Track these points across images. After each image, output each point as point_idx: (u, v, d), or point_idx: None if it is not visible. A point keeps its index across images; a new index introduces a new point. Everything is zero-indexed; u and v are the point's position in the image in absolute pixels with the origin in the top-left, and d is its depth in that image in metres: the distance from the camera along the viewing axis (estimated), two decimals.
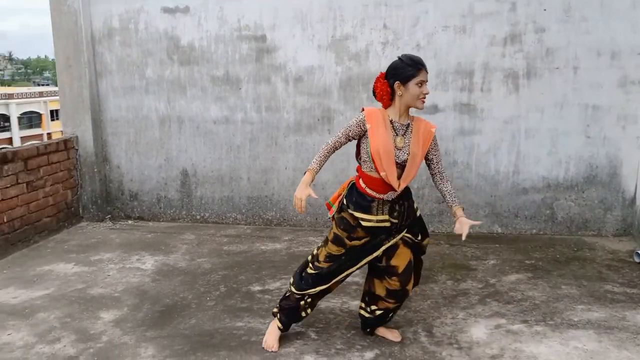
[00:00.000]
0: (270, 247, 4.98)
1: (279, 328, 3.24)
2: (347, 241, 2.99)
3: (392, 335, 3.29)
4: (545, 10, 4.81)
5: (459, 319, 3.54)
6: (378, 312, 3.19)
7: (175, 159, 5.75)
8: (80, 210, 5.79)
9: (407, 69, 2.84)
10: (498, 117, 5.05)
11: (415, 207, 3.14)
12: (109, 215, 5.92)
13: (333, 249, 3.03)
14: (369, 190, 2.93)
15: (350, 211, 2.97)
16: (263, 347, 3.20)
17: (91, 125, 5.64)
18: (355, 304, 3.73)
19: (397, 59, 2.92)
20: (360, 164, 3.01)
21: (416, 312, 3.65)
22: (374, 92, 2.99)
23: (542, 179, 5.08)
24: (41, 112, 45.05)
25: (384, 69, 5.21)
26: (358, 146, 3.00)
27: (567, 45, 4.83)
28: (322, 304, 3.74)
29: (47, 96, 44.16)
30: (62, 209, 5.50)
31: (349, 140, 2.97)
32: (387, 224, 2.97)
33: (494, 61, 4.96)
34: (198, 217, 5.81)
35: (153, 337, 3.37)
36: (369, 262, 3.16)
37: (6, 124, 42.97)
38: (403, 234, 3.06)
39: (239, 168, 5.64)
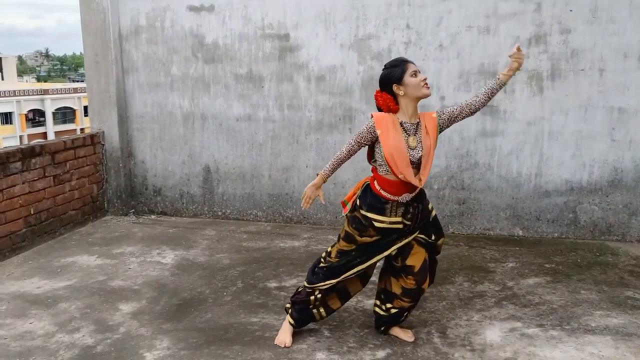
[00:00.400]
0: (289, 245, 5.02)
1: (291, 324, 3.28)
2: (357, 238, 3.03)
3: (406, 335, 3.29)
4: (571, 11, 4.73)
5: (474, 321, 3.51)
6: (393, 311, 3.20)
7: (198, 155, 5.83)
8: (105, 204, 5.92)
9: (395, 70, 2.91)
10: (521, 119, 4.99)
11: (430, 207, 3.15)
12: (133, 210, 6.04)
13: (344, 245, 3.08)
14: (383, 193, 2.96)
15: (362, 212, 3.00)
16: (275, 343, 3.24)
17: (117, 120, 5.77)
18: (369, 302, 3.73)
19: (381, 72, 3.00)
20: (375, 167, 3.02)
21: (431, 312, 3.64)
22: (379, 108, 3.02)
23: (566, 182, 5.00)
24: (75, 107, 46.14)
25: None
26: (370, 149, 3.03)
27: (593, 46, 4.74)
28: None
29: (81, 92, 45.17)
30: (87, 203, 5.64)
31: (362, 146, 3.00)
32: (400, 226, 2.99)
33: None
34: (219, 213, 5.88)
35: (169, 329, 3.43)
36: (385, 260, 3.19)
37: (41, 119, 44.15)
38: (416, 235, 3.08)
39: (261, 165, 5.69)
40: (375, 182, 2.99)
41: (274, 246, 4.99)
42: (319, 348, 3.20)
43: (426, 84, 2.90)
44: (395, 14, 5.09)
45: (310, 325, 3.43)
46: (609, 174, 4.90)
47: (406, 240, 3.06)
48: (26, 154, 4.83)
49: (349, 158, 3.05)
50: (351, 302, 3.77)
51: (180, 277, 4.27)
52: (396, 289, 3.15)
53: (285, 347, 3.21)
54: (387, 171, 2.93)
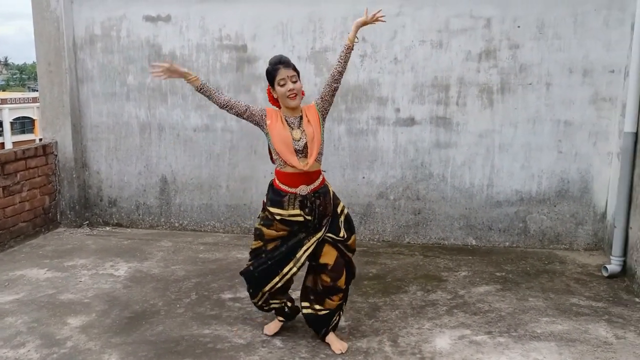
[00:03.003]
0: (246, 256, 4.90)
1: (279, 320, 3.48)
2: (264, 231, 3.20)
3: (338, 345, 3.31)
4: (519, 27, 4.89)
5: (425, 329, 3.57)
6: (322, 312, 3.29)
7: (155, 166, 5.77)
8: (58, 216, 5.79)
9: (269, 73, 3.14)
10: (473, 131, 5.12)
11: (339, 206, 3.30)
12: (87, 222, 5.93)
13: (254, 244, 3.30)
14: (282, 186, 3.17)
15: (268, 208, 3.22)
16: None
17: (71, 130, 5.67)
18: None
19: None
20: (275, 163, 3.24)
21: (383, 321, 3.68)
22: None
23: (516, 193, 5.14)
24: (34, 117, 44.99)
25: (362, 82, 5.33)
26: (270, 151, 3.25)
27: (540, 62, 4.91)
28: None
29: None
30: (39, 214, 5.51)
31: (247, 116, 3.17)
32: (300, 219, 3.15)
33: (469, 76, 5.04)
34: (176, 224, 5.83)
35: (118, 343, 3.38)
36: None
37: None
38: (323, 233, 3.20)
39: (218, 176, 5.67)
40: (276, 178, 3.22)
41: (230, 257, 4.97)
42: (271, 359, 3.20)
43: (292, 95, 3.08)
44: (351, 27, 5.15)
45: (262, 337, 3.46)
46: (557, 184, 5.07)
47: (314, 240, 3.19)
48: None
49: (225, 102, 3.15)
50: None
51: (133, 289, 4.21)
52: (317, 287, 3.27)
53: (264, 334, 3.47)
54: (281, 163, 3.15)
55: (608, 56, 4.82)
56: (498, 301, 4.01)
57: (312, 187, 3.15)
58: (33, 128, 45.07)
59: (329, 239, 3.20)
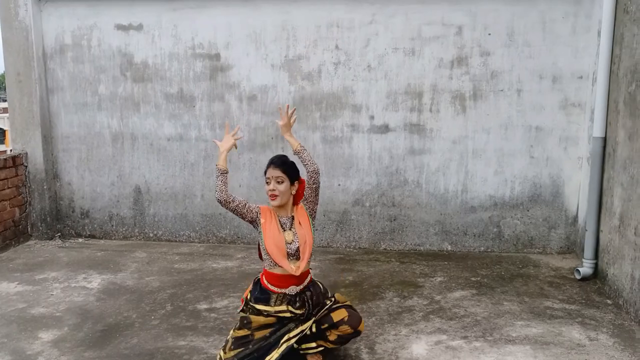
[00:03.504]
0: (222, 265, 4.96)
1: None
2: (252, 318, 3.08)
3: (315, 356, 3.27)
4: (490, 34, 4.97)
5: (402, 336, 3.58)
6: (319, 349, 3.22)
7: (128, 176, 5.70)
8: (29, 228, 5.67)
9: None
10: (447, 137, 5.17)
11: (323, 289, 3.26)
12: (59, 234, 5.81)
13: (239, 333, 3.08)
14: (270, 286, 3.10)
15: (251, 304, 3.12)
16: None
17: (41, 141, 5.56)
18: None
19: None
20: (264, 262, 3.15)
21: None
22: None
23: (490, 198, 5.20)
24: (5, 128, 44.11)
25: (335, 89, 5.35)
26: (259, 248, 3.16)
27: (511, 68, 4.99)
28: None
29: None
30: (8, 227, 5.38)
31: (243, 209, 3.10)
32: (287, 314, 3.08)
33: (442, 83, 5.09)
34: (151, 235, 5.75)
35: (91, 357, 3.31)
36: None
37: None
38: (312, 322, 3.14)
39: (193, 185, 5.62)
40: (264, 278, 3.14)
41: (206, 267, 4.92)
42: None
43: (272, 195, 3.07)
44: (325, 35, 5.19)
45: None
46: (529, 189, 5.15)
47: (302, 329, 3.09)
48: None
49: (230, 194, 3.10)
50: None
51: (106, 302, 4.14)
52: (332, 337, 3.18)
53: None
54: (271, 264, 3.08)
55: (576, 62, 4.92)
56: (474, 306, 4.04)
57: (301, 286, 3.12)
58: (4, 139, 44.14)
59: (327, 310, 3.17)
